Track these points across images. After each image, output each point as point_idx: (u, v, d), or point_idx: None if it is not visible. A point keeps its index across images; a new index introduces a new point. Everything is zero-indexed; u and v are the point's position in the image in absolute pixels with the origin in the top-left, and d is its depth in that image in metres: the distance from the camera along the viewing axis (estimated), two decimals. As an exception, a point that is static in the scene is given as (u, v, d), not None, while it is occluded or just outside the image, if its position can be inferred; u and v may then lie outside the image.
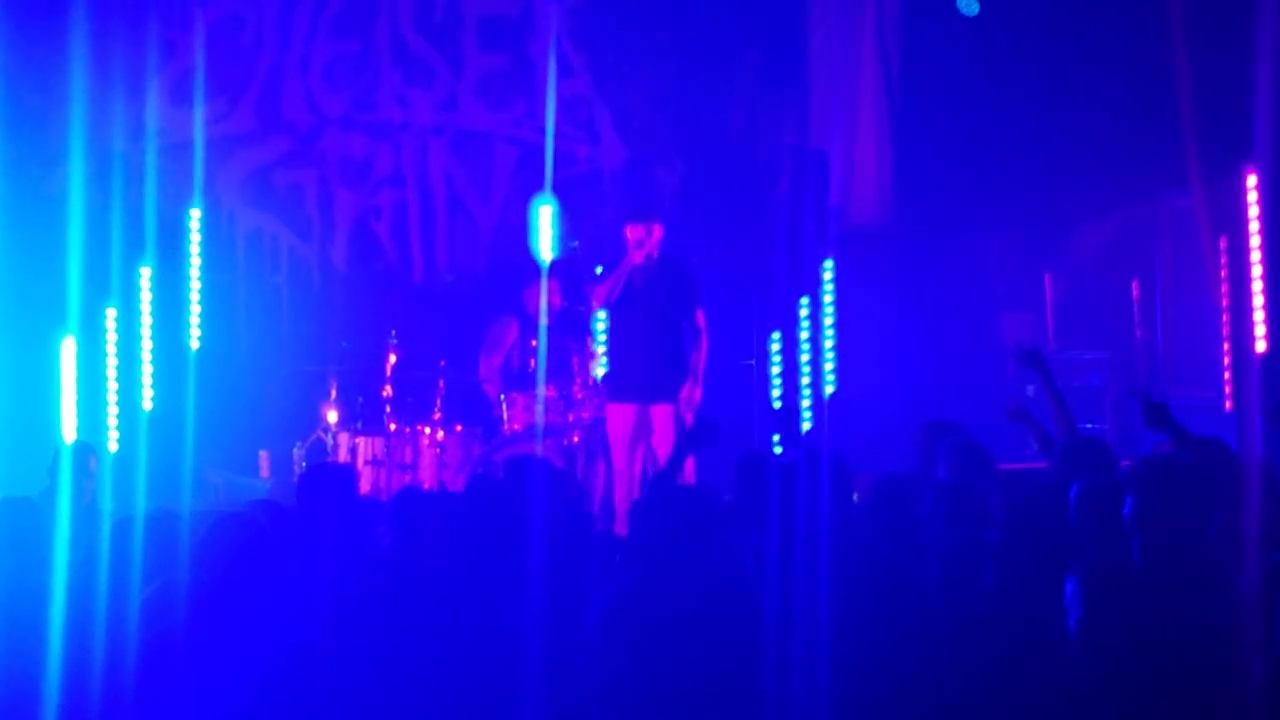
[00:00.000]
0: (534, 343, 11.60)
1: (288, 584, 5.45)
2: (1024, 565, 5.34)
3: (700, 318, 10.55)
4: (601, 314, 10.89)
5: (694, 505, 5.71)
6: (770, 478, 6.23)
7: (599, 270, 10.60)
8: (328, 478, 6.76)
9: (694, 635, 5.03)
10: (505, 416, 11.48)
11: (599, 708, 5.10)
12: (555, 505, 6.23)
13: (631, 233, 10.41)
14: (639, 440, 10.50)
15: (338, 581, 5.67)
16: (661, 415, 10.43)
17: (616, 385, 10.60)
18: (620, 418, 10.50)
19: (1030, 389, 12.65)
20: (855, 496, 6.53)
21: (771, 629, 5.06)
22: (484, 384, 11.97)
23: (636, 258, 10.35)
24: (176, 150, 12.77)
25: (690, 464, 10.21)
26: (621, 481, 10.40)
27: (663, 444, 10.37)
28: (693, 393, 10.48)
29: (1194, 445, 7.34)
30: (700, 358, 10.52)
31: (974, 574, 5.42)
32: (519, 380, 11.71)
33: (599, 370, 11.15)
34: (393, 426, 11.61)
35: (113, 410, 11.48)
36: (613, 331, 10.66)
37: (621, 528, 9.85)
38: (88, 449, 8.55)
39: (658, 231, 10.41)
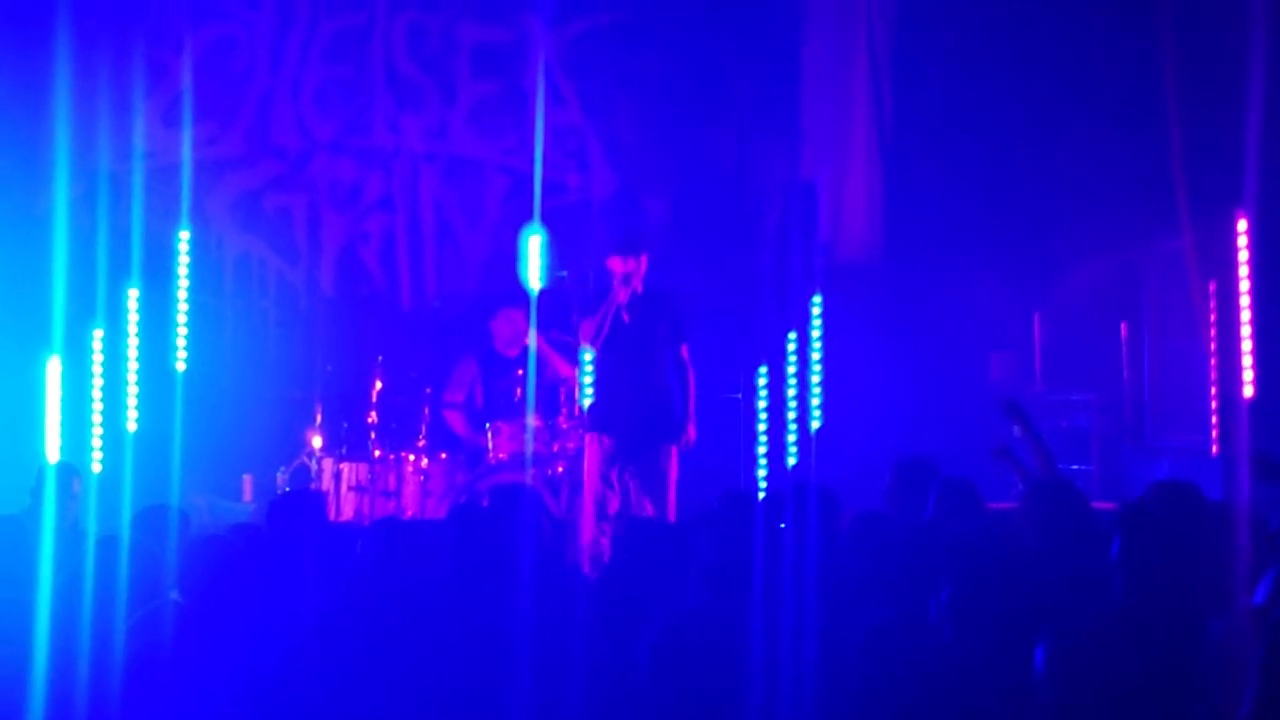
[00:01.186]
0: (520, 371, 11.61)
1: (262, 607, 5.43)
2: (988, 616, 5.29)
3: (685, 352, 10.47)
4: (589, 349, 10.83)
5: (666, 544, 5.72)
6: (754, 513, 6.21)
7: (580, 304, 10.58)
8: (298, 504, 6.76)
9: (673, 673, 5.00)
10: (490, 445, 11.45)
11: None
12: (540, 536, 6.20)
13: (617, 265, 10.34)
14: (616, 474, 10.38)
15: (309, 606, 5.65)
16: (648, 453, 10.30)
17: (598, 417, 10.49)
18: (598, 450, 10.39)
19: (1016, 430, 12.67)
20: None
21: (755, 669, 5.03)
22: (445, 411, 11.98)
23: (621, 295, 10.28)
24: (165, 172, 12.75)
25: (672, 505, 10.19)
26: (590, 517, 10.28)
27: (647, 485, 10.27)
28: (687, 432, 10.38)
29: (1046, 453, 7.49)
30: (690, 395, 10.42)
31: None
32: (493, 412, 11.70)
33: (585, 401, 11.11)
34: (377, 453, 11.59)
35: (97, 431, 11.43)
36: (597, 364, 10.55)
37: (586, 564, 9.82)
38: (71, 470, 8.52)
39: (643, 264, 10.34)
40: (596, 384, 10.58)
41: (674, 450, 10.34)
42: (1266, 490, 7.67)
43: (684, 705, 4.86)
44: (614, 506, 10.33)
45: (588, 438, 10.55)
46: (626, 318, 10.31)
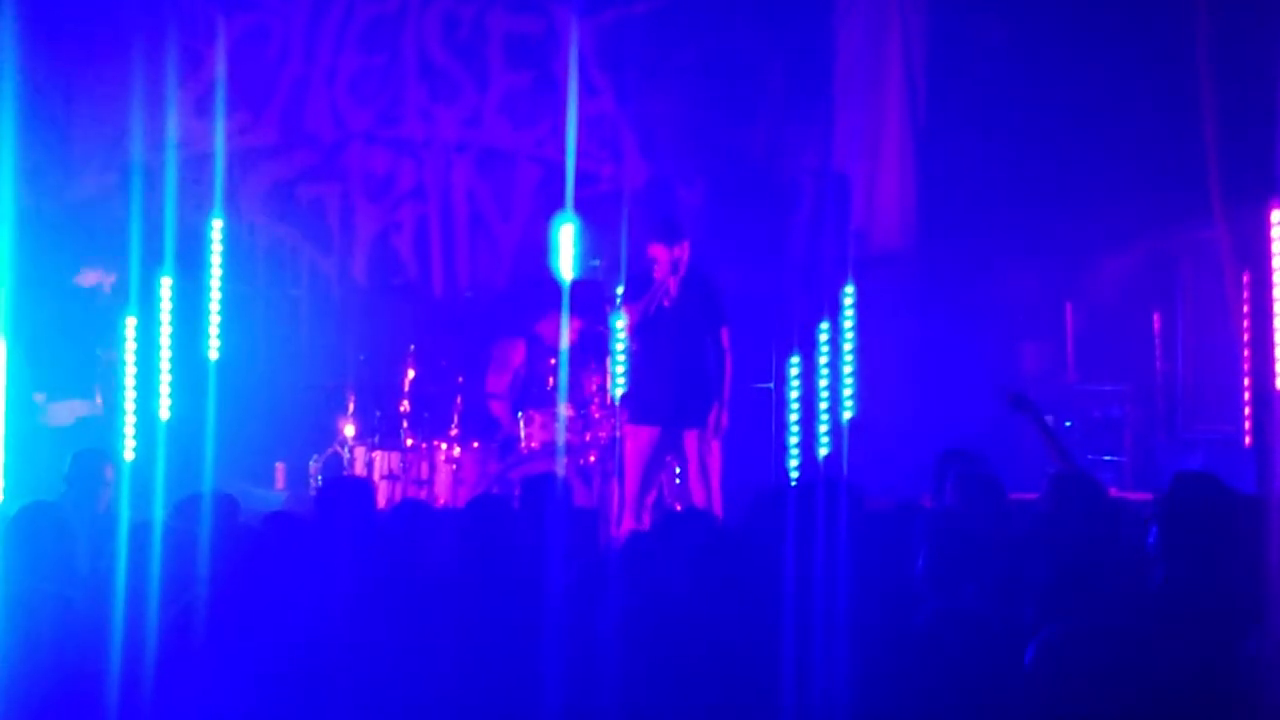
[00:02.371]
0: (553, 361, 11.61)
1: (302, 596, 5.44)
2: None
3: (725, 337, 10.34)
4: (623, 334, 10.78)
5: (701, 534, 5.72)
6: (788, 508, 6.19)
7: (620, 290, 10.53)
8: (346, 491, 6.75)
9: (707, 663, 5.00)
10: (522, 434, 11.47)
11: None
12: (571, 525, 6.21)
13: (661, 253, 10.24)
14: (657, 465, 10.33)
15: (354, 594, 5.66)
16: (692, 441, 10.21)
17: (639, 406, 10.35)
18: (640, 440, 10.28)
19: (1049, 419, 12.65)
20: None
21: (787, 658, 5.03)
22: (491, 401, 11.96)
23: (668, 283, 10.20)
24: (198, 161, 12.80)
25: (717, 494, 10.13)
26: (630, 508, 10.16)
27: (695, 471, 10.22)
28: (720, 418, 10.25)
29: (1059, 446, 7.49)
30: (726, 380, 10.29)
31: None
32: (528, 400, 11.69)
33: (617, 391, 11.09)
34: (409, 441, 11.61)
35: (130, 419, 11.47)
36: (637, 352, 10.45)
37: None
38: (104, 457, 8.55)
39: (686, 251, 10.27)
40: (635, 372, 10.49)
41: (714, 439, 10.25)
42: None
43: (708, 698, 4.87)
44: (653, 497, 10.28)
45: (627, 427, 10.42)
46: (668, 304, 10.21)
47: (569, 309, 11.45)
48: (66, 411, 11.58)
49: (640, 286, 10.28)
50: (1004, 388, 8.89)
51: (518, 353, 11.97)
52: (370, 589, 5.78)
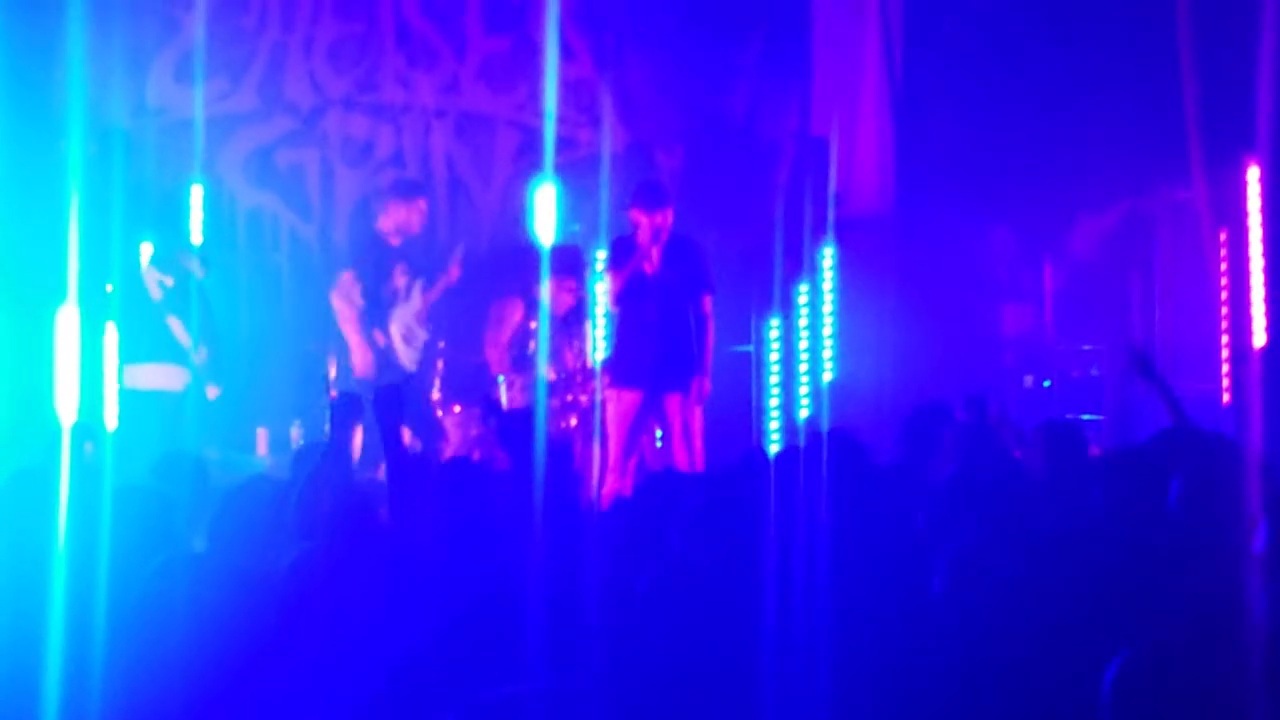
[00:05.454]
0: (533, 325, 11.63)
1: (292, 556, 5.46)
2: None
3: (707, 304, 10.35)
4: (602, 299, 10.80)
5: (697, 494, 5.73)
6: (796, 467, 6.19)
7: (600, 254, 10.54)
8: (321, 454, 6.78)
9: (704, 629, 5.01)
10: (504, 398, 11.49)
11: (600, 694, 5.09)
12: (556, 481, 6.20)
13: (641, 218, 10.23)
14: (639, 429, 10.36)
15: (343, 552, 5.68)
16: (674, 405, 10.24)
17: (621, 371, 10.39)
18: (623, 404, 10.31)
19: (1028, 379, 12.71)
20: None
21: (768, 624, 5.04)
22: (490, 363, 11.96)
23: (648, 249, 10.19)
24: (178, 128, 12.78)
25: (700, 458, 10.15)
26: (615, 471, 10.18)
27: (678, 435, 10.24)
28: (702, 385, 10.29)
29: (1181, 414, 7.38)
30: (706, 347, 10.32)
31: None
32: (520, 362, 11.71)
33: (597, 355, 11.12)
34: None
35: (111, 387, 11.45)
36: (620, 316, 10.48)
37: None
38: (85, 426, 8.55)
39: (669, 217, 10.27)
40: (619, 337, 10.52)
41: (696, 405, 10.28)
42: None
43: (692, 660, 4.89)
44: (635, 461, 10.31)
45: (609, 391, 10.45)
46: (649, 270, 10.22)
47: (550, 274, 11.46)
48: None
49: (624, 252, 10.30)
50: (1130, 350, 8.70)
51: (515, 310, 11.98)
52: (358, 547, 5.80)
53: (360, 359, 11.27)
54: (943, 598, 4.83)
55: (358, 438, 8.01)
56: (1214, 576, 4.84)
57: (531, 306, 11.82)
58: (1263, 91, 10.34)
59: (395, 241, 11.51)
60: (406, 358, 11.42)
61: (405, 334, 11.44)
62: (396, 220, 11.53)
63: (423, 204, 11.67)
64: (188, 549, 5.51)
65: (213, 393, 11.30)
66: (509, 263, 12.38)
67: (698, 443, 10.17)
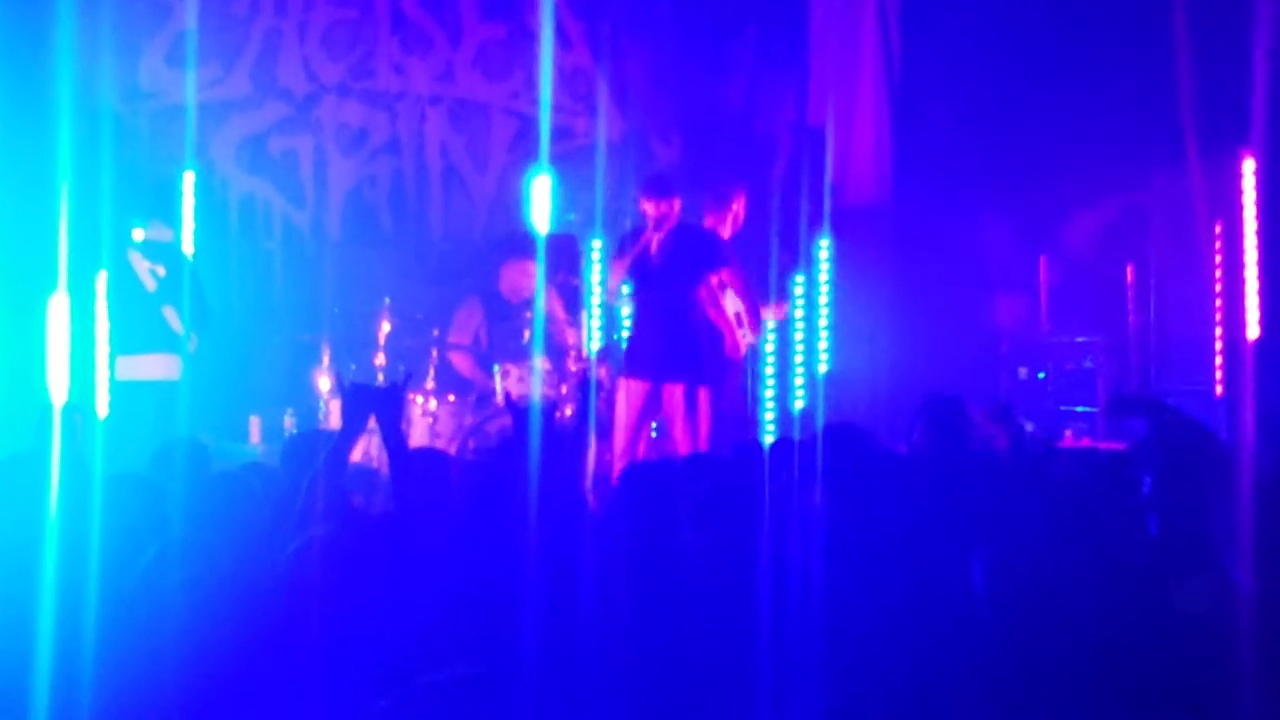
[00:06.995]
0: (527, 314, 11.62)
1: (281, 545, 5.44)
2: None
3: (728, 275, 10.29)
4: (597, 287, 10.77)
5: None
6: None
7: (598, 243, 10.51)
8: (312, 443, 6.75)
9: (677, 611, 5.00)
10: (498, 388, 11.47)
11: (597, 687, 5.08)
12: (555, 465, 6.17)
13: (646, 207, 10.14)
14: (646, 418, 10.34)
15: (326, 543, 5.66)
16: (677, 396, 10.14)
17: (629, 360, 10.31)
18: (630, 394, 10.24)
19: (1022, 371, 12.70)
20: None
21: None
22: (452, 360, 11.98)
23: (653, 238, 10.05)
24: (170, 114, 12.75)
25: (704, 448, 10.10)
26: (623, 459, 9.99)
27: (682, 425, 10.18)
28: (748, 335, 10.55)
29: (1182, 425, 7.29)
30: (746, 308, 10.61)
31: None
32: (492, 357, 11.72)
33: (592, 344, 11.10)
34: (384, 395, 11.56)
35: (103, 374, 11.42)
36: (631, 306, 10.43)
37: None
38: (75, 411, 8.51)
39: (676, 206, 10.23)
40: (631, 327, 10.51)
41: (703, 392, 10.22)
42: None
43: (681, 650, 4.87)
44: (641, 451, 10.28)
45: (618, 380, 10.39)
46: (656, 261, 10.17)
47: (544, 262, 11.44)
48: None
49: (630, 242, 10.27)
50: (1108, 400, 8.65)
51: (474, 313, 12.01)
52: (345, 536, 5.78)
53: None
54: (981, 600, 4.79)
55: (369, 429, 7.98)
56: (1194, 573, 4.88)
57: (491, 301, 11.86)
58: (1258, 85, 10.34)
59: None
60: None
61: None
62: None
63: None
64: (181, 537, 5.48)
65: (192, 344, 11.23)
66: (501, 252, 12.35)
67: (704, 433, 10.11)
